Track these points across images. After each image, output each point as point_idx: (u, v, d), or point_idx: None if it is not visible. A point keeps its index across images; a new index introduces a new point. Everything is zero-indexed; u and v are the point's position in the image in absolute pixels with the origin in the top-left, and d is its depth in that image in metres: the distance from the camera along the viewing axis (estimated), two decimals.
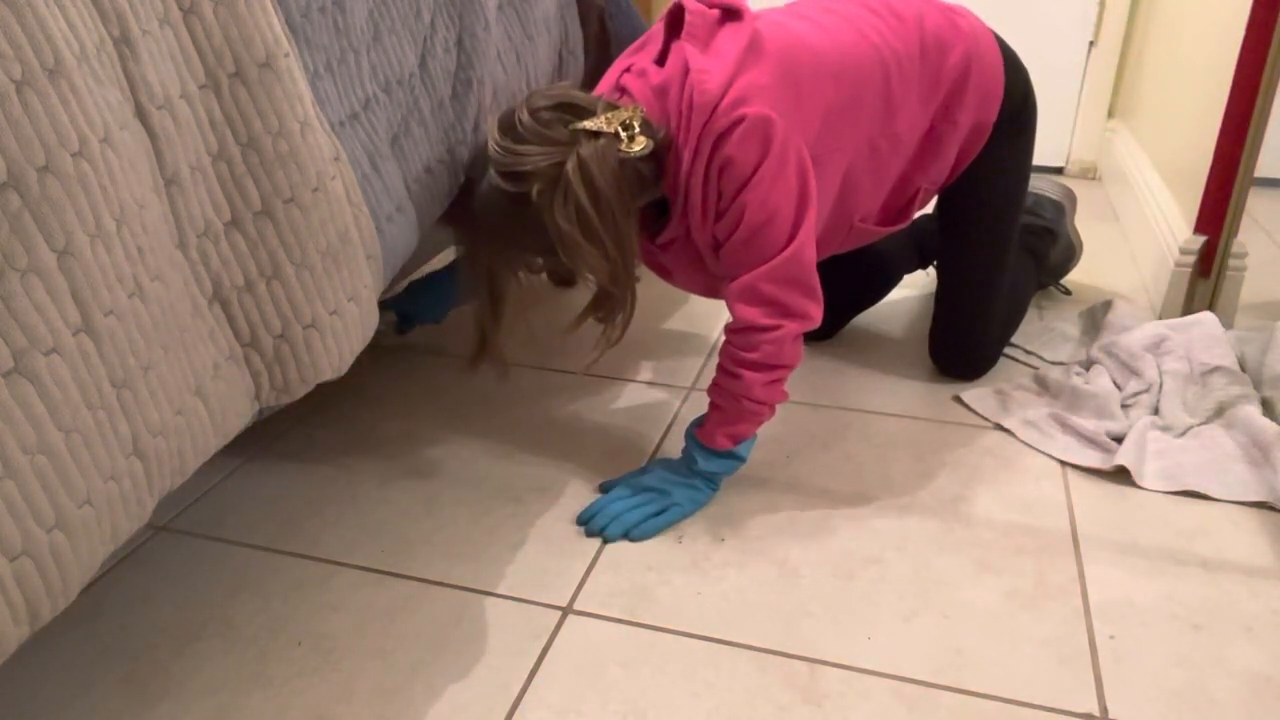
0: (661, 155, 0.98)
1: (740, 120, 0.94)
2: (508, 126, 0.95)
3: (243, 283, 0.77)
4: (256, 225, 0.77)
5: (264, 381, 0.81)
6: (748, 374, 1.00)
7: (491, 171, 0.95)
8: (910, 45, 1.09)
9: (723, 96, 0.94)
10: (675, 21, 1.02)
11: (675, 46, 1.00)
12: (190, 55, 0.72)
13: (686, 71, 0.96)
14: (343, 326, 0.84)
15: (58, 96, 0.58)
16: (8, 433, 0.55)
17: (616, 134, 0.93)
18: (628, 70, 1.04)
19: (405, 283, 1.39)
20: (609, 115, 0.94)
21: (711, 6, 1.00)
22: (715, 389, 1.04)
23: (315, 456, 1.21)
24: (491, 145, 0.95)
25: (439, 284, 1.37)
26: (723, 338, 1.03)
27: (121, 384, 0.63)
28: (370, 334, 0.89)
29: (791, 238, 0.97)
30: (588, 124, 0.93)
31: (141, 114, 0.67)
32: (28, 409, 0.57)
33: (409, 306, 1.37)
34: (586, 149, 0.92)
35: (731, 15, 1.00)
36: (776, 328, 0.98)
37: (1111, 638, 0.89)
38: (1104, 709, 0.81)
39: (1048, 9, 2.22)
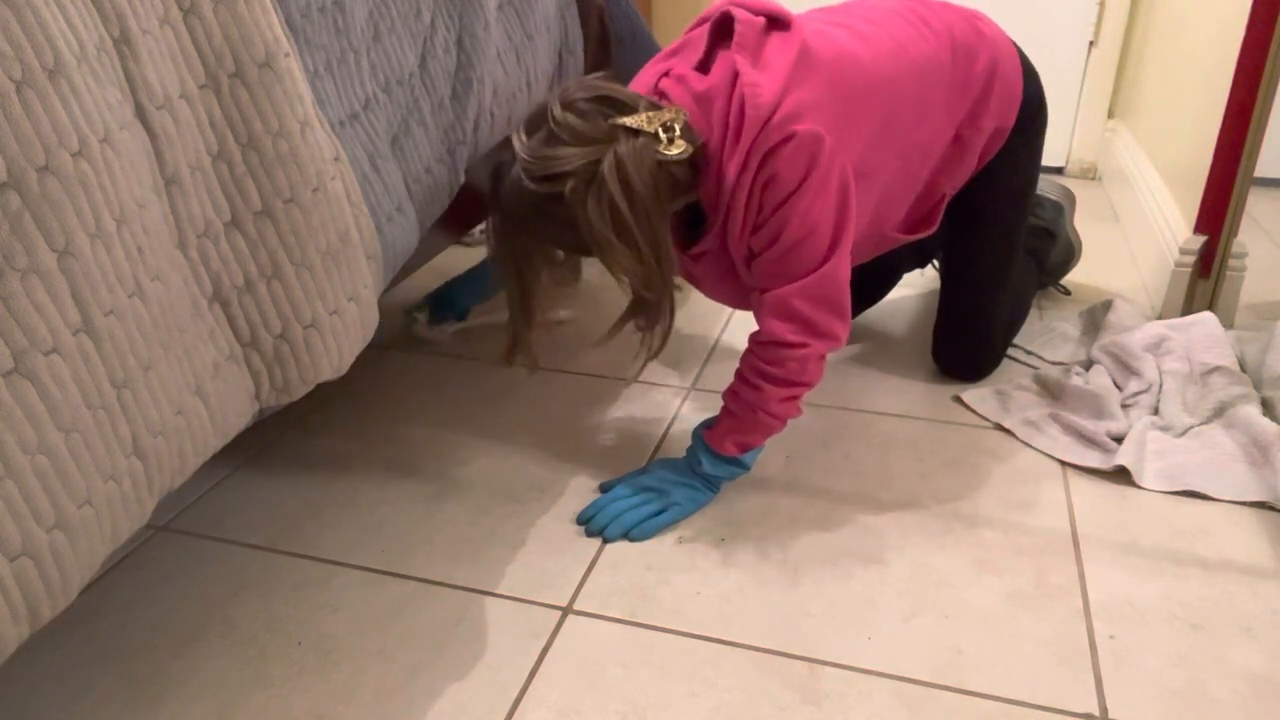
0: (699, 162, 0.96)
1: (791, 136, 0.92)
2: (538, 126, 0.92)
3: (243, 283, 0.77)
4: (256, 225, 0.77)
5: (264, 381, 0.80)
6: (768, 387, 0.99)
7: (519, 170, 0.92)
8: (942, 55, 1.09)
9: (774, 111, 0.92)
10: (720, 29, 0.99)
11: (722, 55, 0.97)
12: (190, 55, 0.72)
13: (734, 82, 0.94)
14: (343, 326, 0.84)
15: (58, 96, 0.58)
16: (8, 433, 0.55)
17: (656, 134, 0.91)
18: (665, 75, 1.01)
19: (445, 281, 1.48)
20: (650, 115, 0.91)
21: (757, 14, 0.98)
22: (731, 396, 1.04)
23: (315, 457, 1.21)
24: (521, 152, 0.91)
25: (476, 275, 1.46)
26: (745, 345, 1.02)
27: (121, 384, 0.63)
28: (370, 334, 0.89)
29: (828, 256, 0.96)
30: (628, 120, 0.90)
31: (141, 114, 0.67)
32: (28, 409, 0.57)
33: (452, 295, 1.47)
34: (624, 147, 0.89)
35: (778, 24, 0.97)
36: (804, 345, 0.98)
37: (1111, 638, 0.89)
38: (1104, 709, 0.81)
39: (1048, 9, 2.22)
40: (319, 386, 0.85)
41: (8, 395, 0.55)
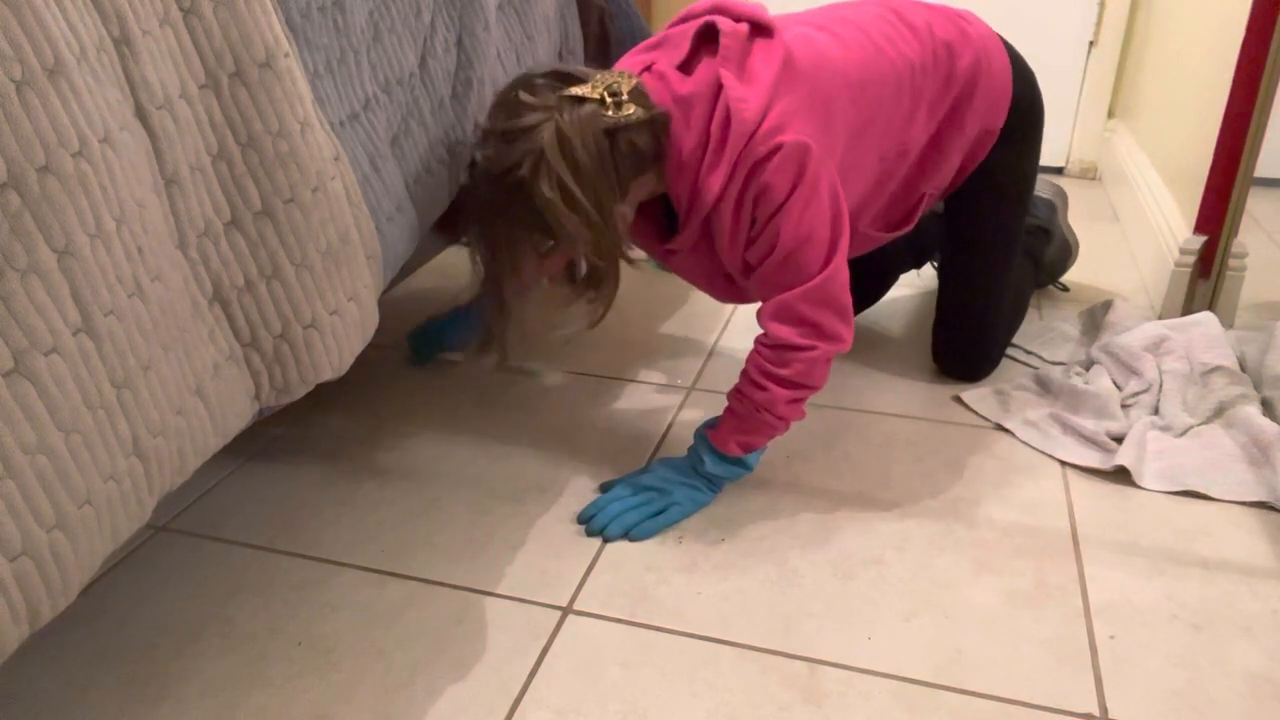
0: (660, 133, 0.96)
1: (778, 148, 0.93)
2: (499, 108, 0.96)
3: (243, 283, 0.77)
4: (256, 225, 0.77)
5: (264, 381, 0.80)
6: (775, 388, 1.00)
7: (480, 157, 0.96)
8: (923, 55, 1.09)
9: (760, 123, 0.93)
10: (704, 35, 0.99)
11: (706, 61, 0.97)
12: (190, 55, 0.72)
13: (718, 91, 0.95)
14: (343, 326, 0.84)
15: (58, 96, 0.58)
16: (8, 433, 0.55)
17: (602, 99, 0.92)
18: (648, 69, 1.01)
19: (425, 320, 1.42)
20: (594, 81, 0.93)
21: (739, 19, 0.98)
22: (737, 396, 1.04)
23: (315, 457, 1.21)
24: (481, 148, 0.95)
25: (459, 319, 1.40)
26: (750, 347, 1.02)
27: (121, 384, 0.63)
28: (370, 334, 0.89)
29: (828, 261, 0.97)
30: (574, 90, 0.92)
31: (141, 114, 0.67)
32: (28, 409, 0.57)
33: (430, 339, 1.42)
34: (567, 115, 0.90)
35: (761, 31, 0.98)
36: (811, 348, 0.98)
37: (1111, 638, 0.89)
38: (1104, 709, 0.81)
39: (1048, 9, 2.22)
40: (319, 386, 0.85)
41: (8, 395, 0.55)
